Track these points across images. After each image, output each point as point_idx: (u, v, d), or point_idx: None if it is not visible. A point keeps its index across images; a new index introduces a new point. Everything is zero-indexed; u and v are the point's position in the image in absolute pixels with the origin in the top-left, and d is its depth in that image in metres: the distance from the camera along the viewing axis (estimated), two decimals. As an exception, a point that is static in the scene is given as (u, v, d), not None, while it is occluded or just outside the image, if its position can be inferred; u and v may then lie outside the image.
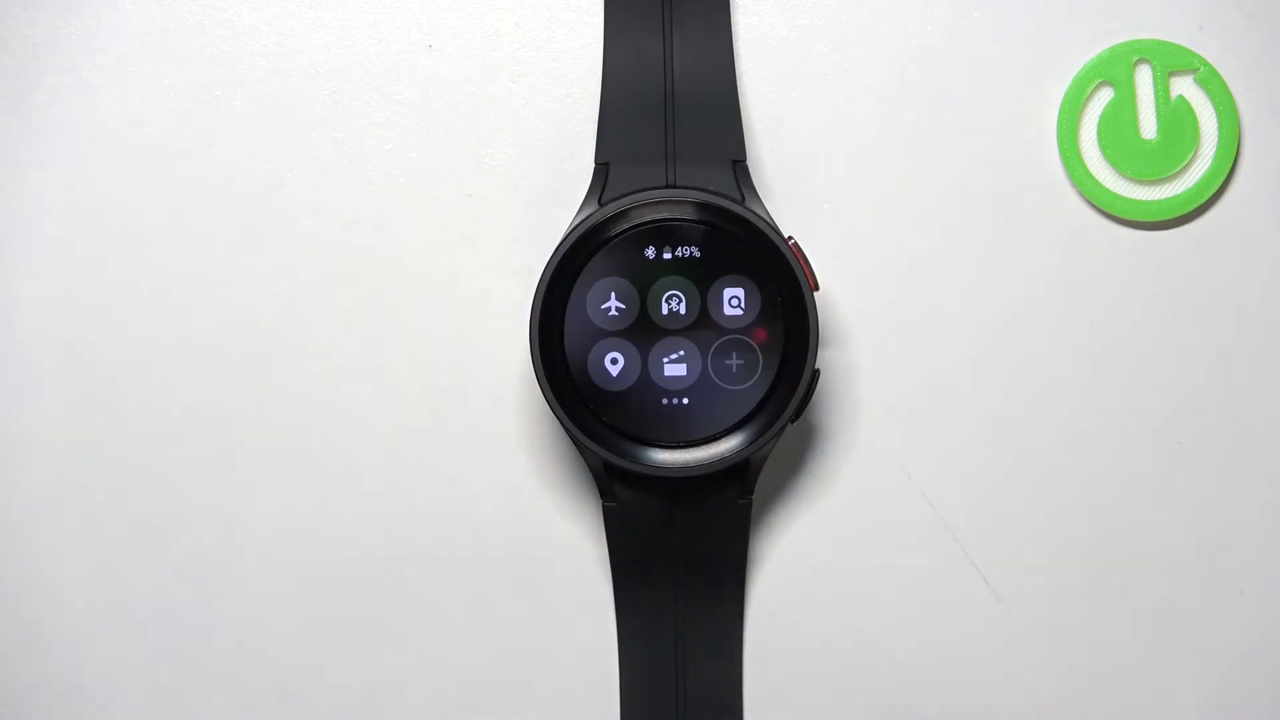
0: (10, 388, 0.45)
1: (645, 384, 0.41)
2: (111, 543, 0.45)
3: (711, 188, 0.42)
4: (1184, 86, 0.45)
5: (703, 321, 0.41)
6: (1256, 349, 0.45)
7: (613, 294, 0.41)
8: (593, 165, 0.42)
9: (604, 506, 0.43)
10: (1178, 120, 0.45)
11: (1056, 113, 0.45)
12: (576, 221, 0.41)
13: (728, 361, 0.41)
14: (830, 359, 0.45)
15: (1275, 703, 0.46)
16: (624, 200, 0.41)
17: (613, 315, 0.41)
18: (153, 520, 0.45)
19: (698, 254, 0.41)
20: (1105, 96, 0.45)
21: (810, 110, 0.45)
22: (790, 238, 0.41)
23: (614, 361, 0.41)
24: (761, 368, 0.41)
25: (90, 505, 0.45)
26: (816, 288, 0.41)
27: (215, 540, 0.45)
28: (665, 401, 0.41)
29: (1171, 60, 0.45)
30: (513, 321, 0.44)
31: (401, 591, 0.45)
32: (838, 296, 0.45)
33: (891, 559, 0.45)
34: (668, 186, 0.42)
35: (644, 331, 0.41)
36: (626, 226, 0.41)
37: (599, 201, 0.42)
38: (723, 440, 0.41)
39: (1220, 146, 0.45)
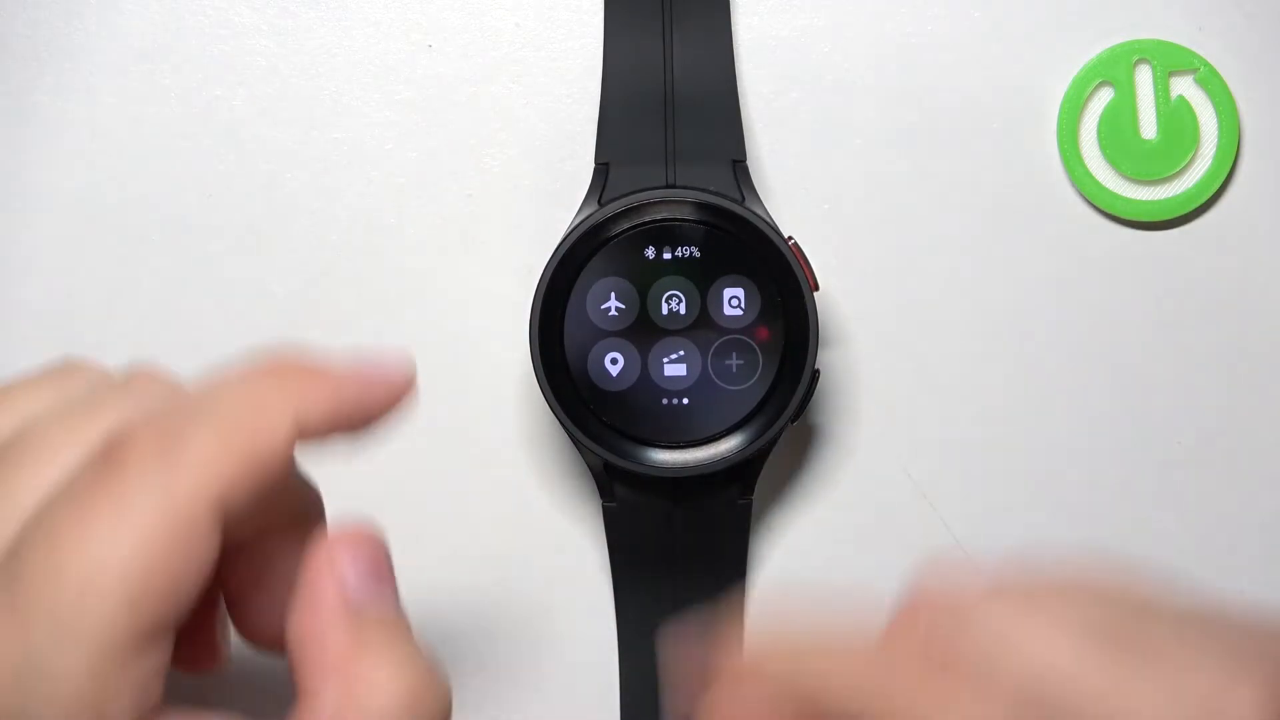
0: (10, 388, 0.45)
1: (645, 384, 0.41)
2: (111, 543, 0.45)
3: (711, 188, 0.41)
4: (1184, 86, 0.45)
5: (702, 321, 0.41)
6: (1256, 349, 0.45)
7: (613, 294, 0.41)
8: (593, 165, 0.42)
9: (604, 506, 0.43)
10: (1178, 120, 0.45)
11: (1056, 113, 0.45)
12: (576, 221, 0.41)
13: (727, 362, 0.41)
14: (830, 359, 0.45)
15: (1275, 703, 0.46)
16: (624, 200, 0.41)
17: (613, 315, 0.41)
18: (153, 520, 0.45)
19: (697, 254, 0.41)
20: (1105, 96, 0.45)
21: (810, 110, 0.45)
22: (790, 238, 0.41)
23: (614, 361, 0.41)
24: (761, 368, 0.41)
25: (90, 505, 0.45)
26: (816, 288, 0.41)
27: (215, 540, 0.45)
28: (665, 401, 0.41)
29: (1171, 60, 0.45)
30: (513, 321, 0.44)
31: (401, 591, 0.45)
32: (838, 296, 0.45)
33: (891, 559, 0.45)
34: (668, 186, 0.42)
35: (644, 331, 0.41)
36: (626, 226, 0.41)
37: (599, 201, 0.42)
38: (722, 440, 0.41)
39: (1220, 146, 0.45)
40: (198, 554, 0.29)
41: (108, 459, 0.28)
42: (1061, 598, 0.29)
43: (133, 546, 0.28)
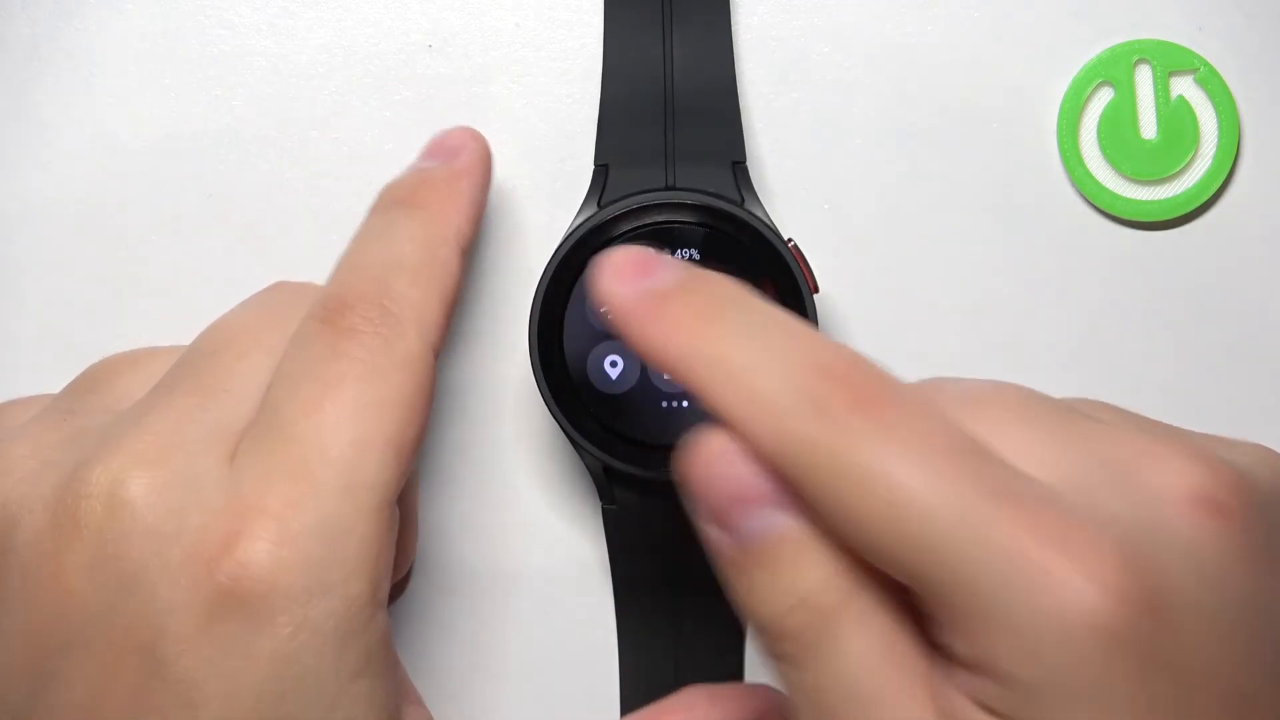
0: (10, 388, 0.45)
1: (644, 387, 0.41)
2: (112, 542, 0.46)
3: (711, 189, 0.41)
4: (1184, 86, 0.45)
5: (702, 323, 0.41)
6: (1256, 349, 0.45)
7: (612, 296, 0.41)
8: (592, 166, 0.42)
9: (604, 509, 0.43)
10: (1178, 120, 0.45)
11: (1056, 113, 0.45)
12: (576, 223, 0.41)
13: (727, 364, 0.41)
14: (830, 359, 0.45)
15: (1274, 703, 0.46)
16: (623, 202, 0.41)
17: (612, 317, 0.41)
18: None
19: (697, 256, 0.41)
20: (1105, 96, 0.45)
21: (810, 110, 0.45)
22: (790, 239, 0.41)
23: (613, 364, 0.41)
24: (761, 369, 0.41)
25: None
26: (816, 289, 0.41)
27: (216, 540, 0.45)
28: (664, 404, 0.41)
29: (1171, 60, 0.45)
30: (512, 323, 0.44)
31: (400, 593, 0.45)
32: (838, 297, 0.45)
33: (891, 559, 0.45)
34: (667, 188, 0.42)
35: (643, 333, 0.41)
36: (626, 228, 0.41)
37: (599, 203, 0.42)
38: (722, 442, 0.41)
39: (1220, 146, 0.45)
40: (429, 398, 0.31)
41: (333, 326, 0.30)
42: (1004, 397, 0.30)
43: (386, 400, 0.29)
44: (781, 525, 0.28)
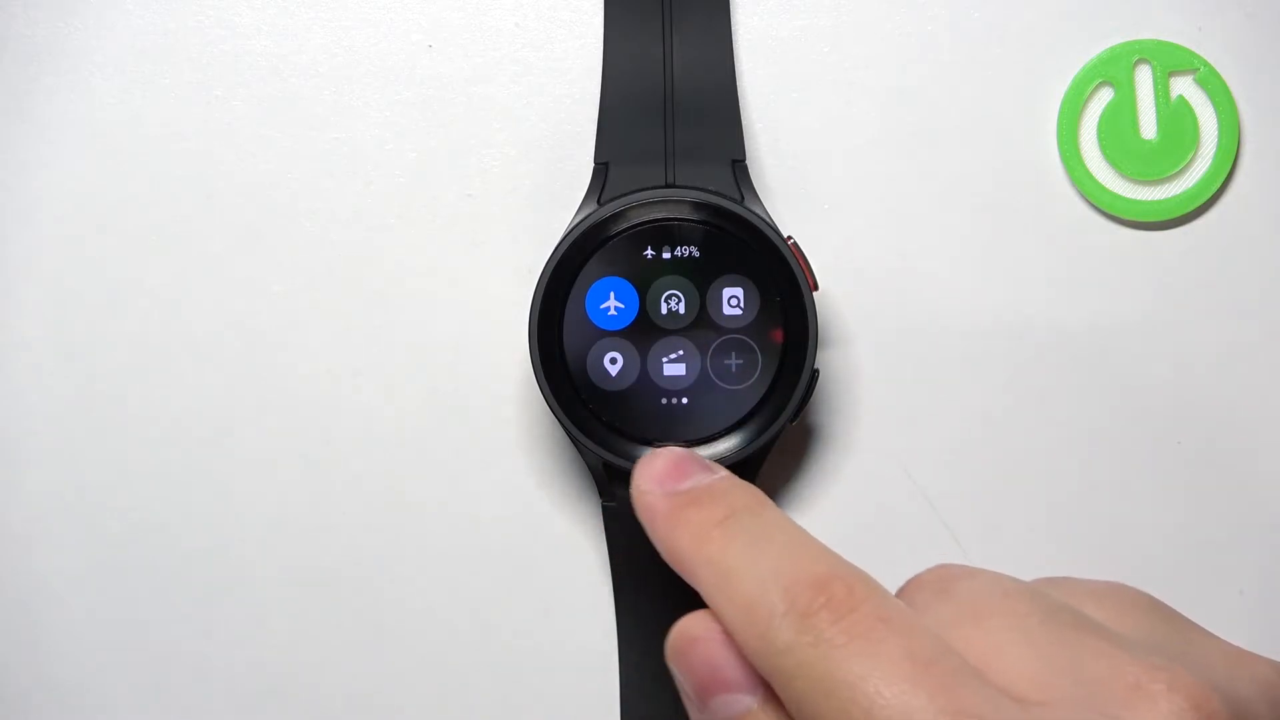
0: (10, 388, 0.45)
1: (644, 384, 0.41)
2: (111, 543, 0.45)
3: (711, 187, 0.42)
4: (1184, 86, 0.45)
5: (702, 321, 0.41)
6: (1256, 349, 0.45)
7: (612, 294, 0.41)
8: (592, 165, 0.42)
9: (604, 506, 0.43)
10: (1178, 120, 0.45)
11: (1056, 113, 0.45)
12: (576, 221, 0.41)
13: (727, 361, 0.41)
14: (830, 359, 0.45)
15: (1275, 703, 0.46)
16: (623, 200, 0.41)
17: (612, 315, 0.41)
18: (152, 520, 0.45)
19: (697, 254, 0.41)
20: (1105, 96, 0.45)
21: (810, 110, 0.45)
22: (790, 238, 0.41)
23: (613, 361, 0.41)
24: (761, 368, 0.41)
25: (90, 505, 0.45)
26: (816, 288, 0.41)
27: (215, 540, 0.45)
28: (664, 401, 0.41)
29: (1171, 60, 0.45)
30: (513, 321, 0.44)
31: (401, 591, 0.45)
32: (838, 296, 0.45)
33: (891, 559, 0.45)
34: (667, 186, 0.42)
35: (643, 331, 0.41)
36: (625, 226, 0.41)
37: (598, 201, 0.42)
38: (721, 440, 0.41)
39: (1220, 146, 0.45)
40: None
41: None
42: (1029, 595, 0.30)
43: None
44: (753, 713, 0.30)
